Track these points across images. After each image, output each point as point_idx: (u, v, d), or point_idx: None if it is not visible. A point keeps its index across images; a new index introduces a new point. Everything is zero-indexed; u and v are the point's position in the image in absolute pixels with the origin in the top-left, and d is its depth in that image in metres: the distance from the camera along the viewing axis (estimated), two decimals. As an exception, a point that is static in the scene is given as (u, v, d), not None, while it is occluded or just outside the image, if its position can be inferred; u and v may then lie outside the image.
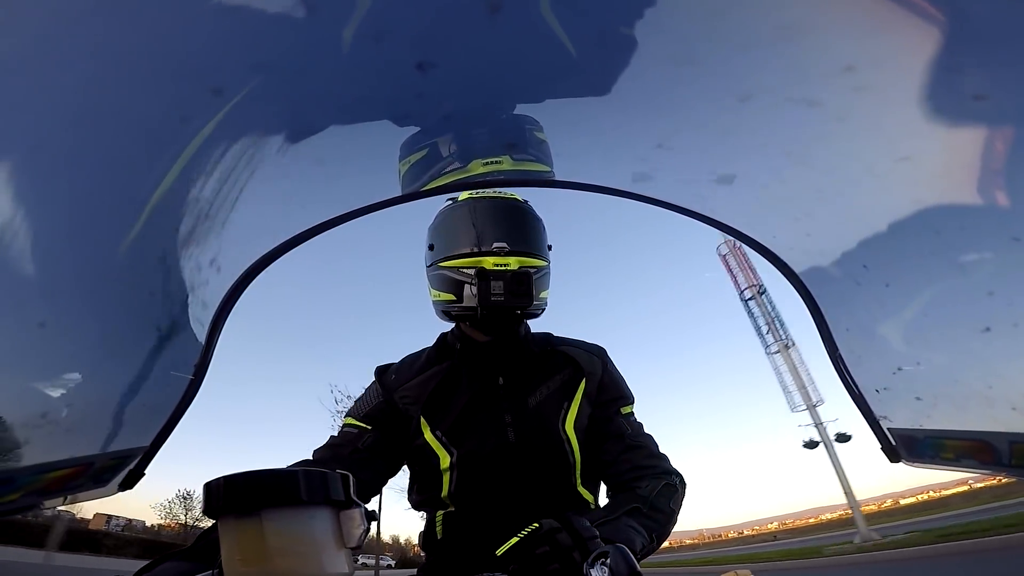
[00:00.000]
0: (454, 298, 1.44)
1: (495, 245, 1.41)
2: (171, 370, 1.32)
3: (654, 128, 1.16)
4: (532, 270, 1.43)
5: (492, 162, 1.35)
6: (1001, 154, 0.87)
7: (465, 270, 1.42)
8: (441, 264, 1.47)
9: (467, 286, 1.41)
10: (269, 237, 1.36)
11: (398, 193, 1.38)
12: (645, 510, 1.27)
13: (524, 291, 1.39)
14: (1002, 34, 0.77)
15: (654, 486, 1.33)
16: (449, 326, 1.60)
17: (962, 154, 0.91)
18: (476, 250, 1.42)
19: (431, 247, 1.53)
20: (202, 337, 1.37)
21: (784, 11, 0.87)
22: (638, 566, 0.92)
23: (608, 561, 0.92)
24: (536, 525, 1.05)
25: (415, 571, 1.47)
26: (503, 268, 1.40)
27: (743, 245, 1.44)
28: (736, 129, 1.10)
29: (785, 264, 1.36)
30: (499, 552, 1.05)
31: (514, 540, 1.05)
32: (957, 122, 0.90)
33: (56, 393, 1.07)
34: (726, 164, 1.20)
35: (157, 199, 1.05)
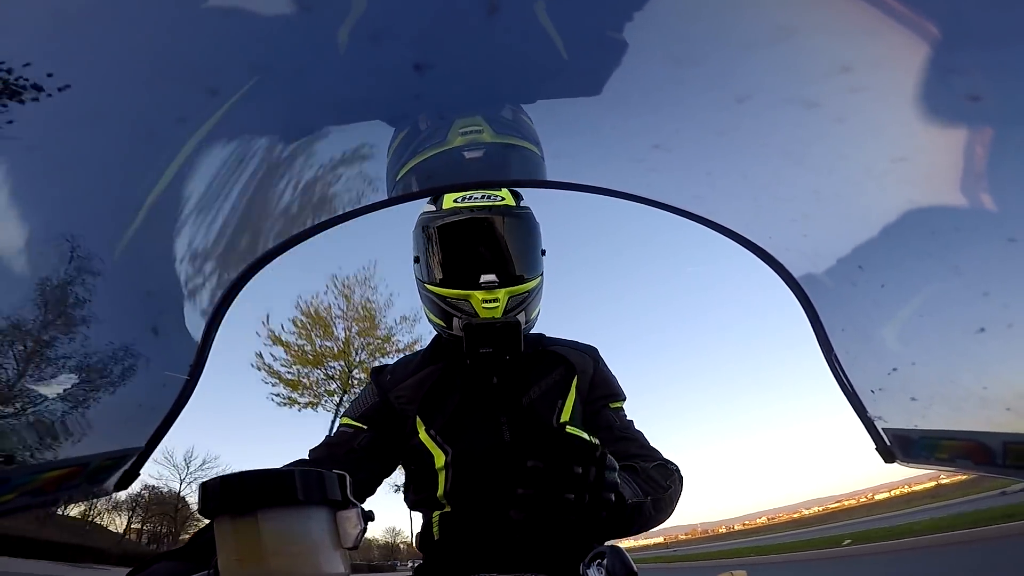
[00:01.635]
0: (444, 324, 1.45)
1: (483, 280, 1.40)
2: (166, 371, 1.31)
3: (651, 128, 1.16)
4: (522, 298, 1.43)
5: (472, 130, 1.24)
6: (996, 155, 0.87)
7: (452, 300, 1.42)
8: (427, 286, 1.47)
9: (455, 319, 1.41)
10: (265, 239, 1.36)
11: (394, 193, 1.37)
12: (640, 473, 1.26)
13: (512, 343, 1.39)
14: (996, 35, 0.78)
15: (648, 464, 1.33)
16: None
17: (957, 155, 0.91)
18: (464, 282, 1.42)
19: (416, 259, 1.52)
20: (197, 338, 1.37)
21: (781, 12, 0.87)
22: (634, 566, 0.92)
23: (605, 562, 0.92)
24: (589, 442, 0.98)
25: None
26: (493, 307, 1.40)
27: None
28: (733, 130, 1.10)
29: (781, 265, 1.36)
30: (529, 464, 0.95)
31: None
32: (952, 123, 0.90)
33: (51, 393, 1.07)
34: (723, 165, 1.21)
35: (153, 200, 1.04)
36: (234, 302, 1.40)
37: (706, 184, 1.29)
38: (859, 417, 1.33)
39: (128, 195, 1.03)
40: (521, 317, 1.44)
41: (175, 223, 1.14)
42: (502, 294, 1.41)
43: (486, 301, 1.39)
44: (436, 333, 1.62)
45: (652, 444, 1.47)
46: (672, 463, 1.40)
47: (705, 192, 1.31)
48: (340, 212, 1.36)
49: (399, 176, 1.28)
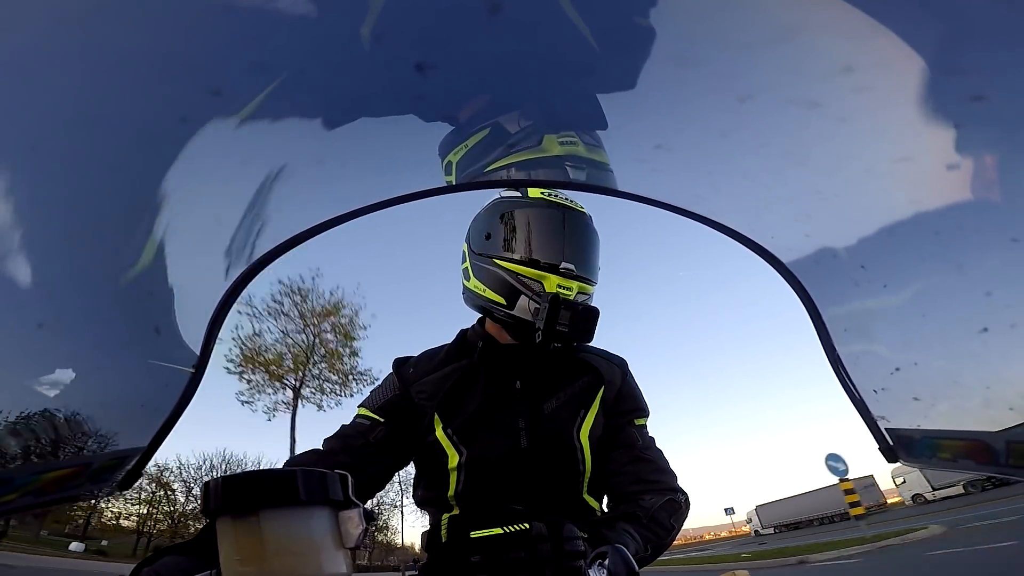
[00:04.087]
0: (504, 302, 1.41)
1: (563, 265, 1.38)
2: (169, 369, 1.31)
3: (653, 128, 1.16)
4: (585, 299, 1.41)
5: (568, 141, 1.23)
6: (999, 155, 0.87)
7: (525, 279, 1.38)
8: (497, 260, 1.43)
9: (524, 297, 1.37)
10: (270, 237, 1.36)
11: (401, 192, 1.36)
12: (644, 520, 1.26)
13: (588, 327, 1.36)
14: (1001, 35, 0.77)
15: (657, 500, 1.32)
16: (469, 322, 1.58)
17: (960, 155, 0.91)
18: (544, 263, 1.39)
19: (487, 236, 1.49)
20: (201, 336, 1.37)
21: (784, 11, 0.87)
22: (636, 567, 0.92)
23: (607, 562, 0.92)
24: (527, 526, 1.03)
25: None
26: (567, 293, 1.37)
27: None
28: (735, 130, 1.10)
29: (783, 265, 1.36)
30: (474, 535, 1.04)
31: (497, 531, 1.03)
32: (956, 123, 0.90)
33: (54, 393, 1.07)
34: (725, 165, 1.21)
35: (157, 200, 1.04)
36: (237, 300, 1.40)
37: (708, 184, 1.29)
38: (862, 417, 1.33)
39: (132, 195, 1.03)
40: None
41: (178, 222, 1.14)
42: (575, 285, 1.39)
43: (561, 286, 1.37)
44: (461, 330, 1.61)
45: (669, 465, 1.46)
46: (681, 493, 1.40)
47: (707, 192, 1.31)
48: (360, 205, 1.35)
49: (487, 169, 1.26)
